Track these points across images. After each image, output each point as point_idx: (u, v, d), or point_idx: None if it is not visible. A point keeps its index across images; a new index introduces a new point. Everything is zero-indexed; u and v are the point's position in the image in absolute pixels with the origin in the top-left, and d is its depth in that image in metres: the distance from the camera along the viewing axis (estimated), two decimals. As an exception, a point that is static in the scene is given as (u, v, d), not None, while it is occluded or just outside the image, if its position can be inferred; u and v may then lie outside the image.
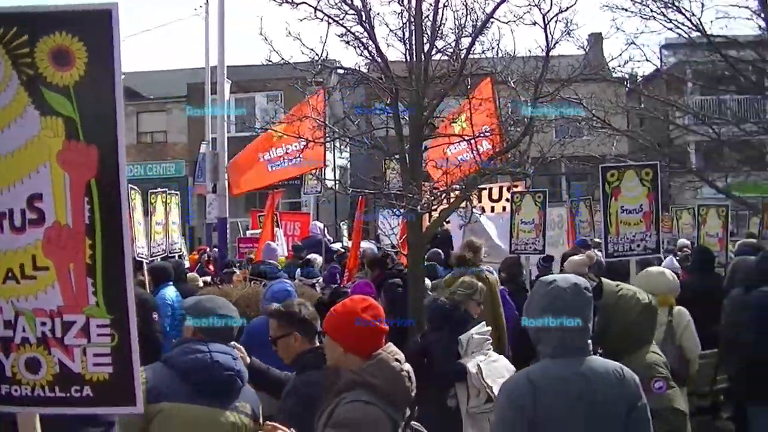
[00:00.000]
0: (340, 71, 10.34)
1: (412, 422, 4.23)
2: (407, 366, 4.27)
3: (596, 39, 11.48)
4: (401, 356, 4.30)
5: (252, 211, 22.97)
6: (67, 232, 3.19)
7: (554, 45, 9.03)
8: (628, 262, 9.08)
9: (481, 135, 9.29)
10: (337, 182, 10.02)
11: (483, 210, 13.80)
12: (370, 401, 4.03)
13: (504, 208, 15.43)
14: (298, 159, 14.44)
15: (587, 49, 9.87)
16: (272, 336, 5.50)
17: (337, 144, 17.07)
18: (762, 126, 13.49)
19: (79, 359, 3.27)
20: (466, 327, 7.16)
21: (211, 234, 24.52)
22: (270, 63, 9.45)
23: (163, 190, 14.12)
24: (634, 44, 11.10)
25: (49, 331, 3.26)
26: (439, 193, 8.85)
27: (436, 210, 9.35)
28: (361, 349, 4.23)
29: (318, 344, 5.31)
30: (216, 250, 20.34)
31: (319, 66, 9.40)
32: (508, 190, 15.78)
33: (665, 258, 13.75)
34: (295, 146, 13.88)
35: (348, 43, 9.17)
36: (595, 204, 20.33)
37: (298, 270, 13.50)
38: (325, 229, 18.80)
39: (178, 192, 15.73)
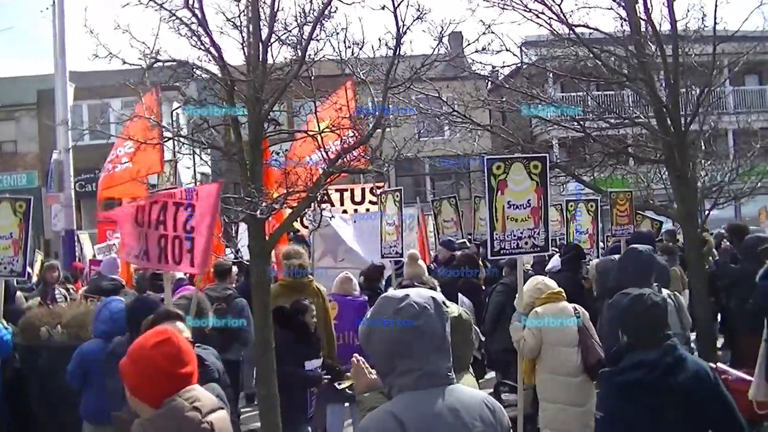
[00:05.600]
0: (171, 64, 9.37)
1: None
2: (214, 416, 3.38)
3: (455, 36, 10.78)
4: (205, 403, 3.39)
5: (99, 224, 21.47)
6: None
7: (405, 31, 8.32)
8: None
9: (329, 130, 8.46)
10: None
11: (333, 216, 12.91)
12: None
13: (368, 211, 14.61)
14: (123, 164, 13.44)
15: (442, 37, 9.20)
16: None
17: (197, 150, 16.09)
18: (626, 118, 13.14)
19: None
20: None
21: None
22: (96, 57, 8.47)
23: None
24: (493, 33, 10.40)
25: None
26: (281, 196, 7.96)
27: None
28: (146, 395, 3.34)
29: None
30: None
31: (152, 60, 8.44)
32: (371, 191, 14.98)
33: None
34: (120, 150, 12.93)
35: (178, 31, 8.27)
36: (461, 203, 20.00)
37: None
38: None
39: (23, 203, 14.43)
